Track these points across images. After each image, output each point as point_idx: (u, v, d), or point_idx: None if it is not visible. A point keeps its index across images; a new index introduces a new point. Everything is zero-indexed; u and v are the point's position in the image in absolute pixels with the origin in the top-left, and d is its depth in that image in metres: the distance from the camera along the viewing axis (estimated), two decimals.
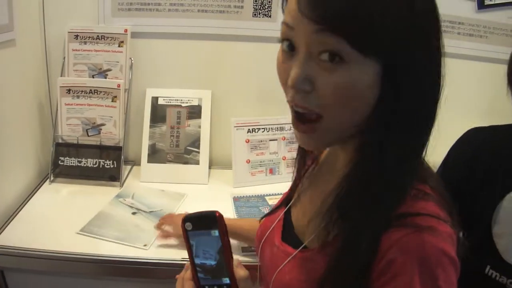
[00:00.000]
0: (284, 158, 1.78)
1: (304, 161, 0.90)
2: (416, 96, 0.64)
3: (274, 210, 0.95)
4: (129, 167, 1.78)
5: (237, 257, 0.81)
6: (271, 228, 0.88)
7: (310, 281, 0.72)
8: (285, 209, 0.90)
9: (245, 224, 1.21)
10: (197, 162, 1.72)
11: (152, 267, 1.27)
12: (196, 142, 1.73)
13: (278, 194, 1.63)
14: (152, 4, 1.61)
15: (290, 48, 0.66)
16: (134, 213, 1.48)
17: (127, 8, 1.61)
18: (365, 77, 0.62)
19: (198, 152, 1.72)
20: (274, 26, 1.67)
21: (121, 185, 1.63)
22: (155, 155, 1.71)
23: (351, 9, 0.58)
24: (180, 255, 1.26)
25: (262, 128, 1.74)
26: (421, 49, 0.63)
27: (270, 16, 1.66)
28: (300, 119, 0.68)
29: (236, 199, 1.61)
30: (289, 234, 0.84)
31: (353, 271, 0.65)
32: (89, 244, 1.31)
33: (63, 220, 1.42)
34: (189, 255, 0.79)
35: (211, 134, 1.73)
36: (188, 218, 0.78)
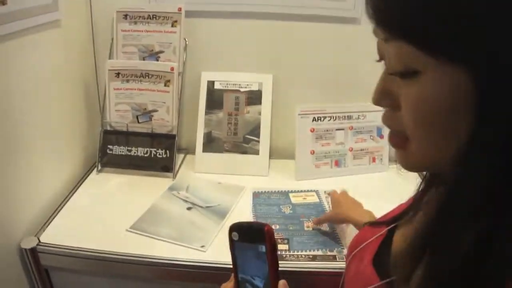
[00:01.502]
0: (350, 149, 1.61)
1: (428, 179, 0.72)
2: None
3: (379, 222, 0.81)
4: (182, 156, 1.65)
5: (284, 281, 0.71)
6: (368, 241, 0.77)
7: None
8: (389, 226, 0.75)
9: None
10: (256, 152, 1.57)
11: (210, 272, 1.14)
12: (255, 131, 1.58)
13: (304, 191, 1.48)
14: None
15: (381, 59, 0.56)
16: (189, 208, 1.35)
17: None
18: (448, 90, 0.47)
19: (258, 141, 1.57)
20: (344, 5, 1.50)
21: (174, 177, 1.50)
22: (211, 144, 1.58)
23: (414, 7, 0.47)
24: None
25: (328, 117, 1.57)
26: None
27: None
28: (392, 133, 0.58)
29: (256, 195, 1.45)
30: (382, 256, 0.71)
31: None
32: (140, 243, 1.20)
33: (111, 215, 1.31)
34: (233, 266, 0.74)
35: (272, 122, 1.58)
36: (236, 228, 0.73)
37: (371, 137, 1.62)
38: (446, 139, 0.51)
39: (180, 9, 1.48)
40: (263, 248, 0.70)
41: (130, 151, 1.50)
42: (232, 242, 0.73)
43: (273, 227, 1.20)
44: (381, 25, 0.51)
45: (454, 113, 0.48)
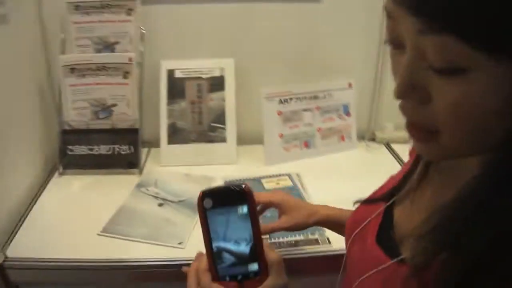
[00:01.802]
0: (319, 130, 1.59)
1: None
2: None
3: (370, 200, 0.79)
4: (146, 150, 1.58)
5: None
6: (368, 221, 0.74)
7: None
8: (387, 204, 0.73)
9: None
10: (223, 140, 1.53)
11: None
12: (221, 118, 1.53)
13: (277, 176, 1.45)
14: None
15: (395, 45, 0.51)
16: (160, 205, 1.30)
17: None
18: (498, 88, 0.44)
19: (224, 128, 1.53)
20: None
21: (141, 173, 1.44)
22: (175, 135, 1.52)
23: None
24: None
25: (294, 98, 1.54)
26: None
27: None
28: (414, 125, 0.53)
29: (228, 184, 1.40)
30: (385, 235, 0.70)
31: None
32: (114, 247, 1.14)
33: (80, 219, 1.24)
34: (205, 239, 0.68)
35: (237, 108, 1.54)
36: (208, 193, 0.67)
37: (339, 115, 1.60)
38: (481, 135, 0.48)
39: None
40: (244, 209, 0.68)
41: (92, 150, 1.42)
42: (203, 210, 0.67)
43: None
44: (422, 16, 0.44)
45: (499, 112, 0.46)
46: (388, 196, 0.75)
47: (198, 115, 1.52)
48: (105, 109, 1.43)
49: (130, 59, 1.39)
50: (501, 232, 0.47)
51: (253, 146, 1.61)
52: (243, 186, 0.68)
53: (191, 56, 1.53)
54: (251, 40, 1.55)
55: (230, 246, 0.69)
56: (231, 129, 1.53)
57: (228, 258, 0.70)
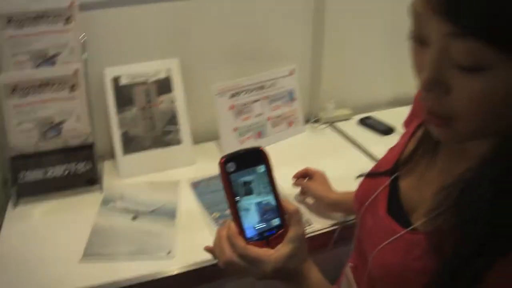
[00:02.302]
0: (269, 118, 1.62)
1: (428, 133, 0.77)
2: None
3: (376, 174, 0.86)
4: (100, 164, 1.50)
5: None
6: (376, 194, 0.81)
7: (415, 270, 0.66)
8: (392, 177, 0.80)
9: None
10: (179, 142, 1.50)
11: (188, 276, 1.09)
12: (173, 120, 1.50)
13: None
14: None
15: (420, 41, 0.58)
16: (134, 218, 1.25)
17: None
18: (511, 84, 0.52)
19: (178, 130, 1.50)
20: None
21: (102, 188, 1.38)
22: (130, 144, 1.46)
23: (497, 6, 0.48)
24: None
25: (244, 91, 1.56)
26: None
27: None
28: (432, 113, 0.60)
29: (195, 186, 1.40)
30: (396, 207, 0.76)
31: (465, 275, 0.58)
32: (101, 271, 1.08)
33: (53, 250, 1.15)
34: (231, 204, 0.73)
35: (188, 107, 1.51)
36: (230, 158, 0.72)
37: (285, 102, 1.64)
38: (492, 123, 0.56)
39: (73, 3, 1.31)
40: (262, 168, 0.73)
41: (46, 173, 1.33)
42: (226, 175, 0.72)
43: (226, 212, 1.20)
44: (453, 20, 0.51)
45: (508, 104, 0.53)
46: (392, 170, 0.82)
47: (150, 121, 1.47)
48: (54, 127, 1.34)
49: (75, 71, 1.31)
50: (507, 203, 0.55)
51: (209, 143, 1.61)
52: (259, 148, 0.74)
53: (135, 60, 1.47)
54: (194, 37, 1.53)
55: (254, 205, 0.74)
56: (185, 130, 1.50)
57: (253, 218, 0.74)
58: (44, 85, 1.30)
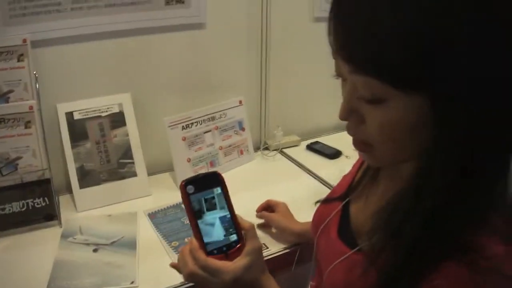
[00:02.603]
0: (220, 148, 1.68)
1: None
2: (482, 123, 0.57)
3: (331, 199, 0.94)
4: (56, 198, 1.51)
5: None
6: (329, 218, 0.88)
7: (364, 285, 0.69)
8: (344, 202, 0.87)
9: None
10: (134, 174, 1.53)
11: None
12: (128, 153, 1.53)
13: None
14: (51, 5, 1.33)
15: (342, 78, 0.66)
16: (95, 250, 1.27)
17: (21, 13, 1.31)
18: (411, 113, 0.59)
19: (133, 163, 1.53)
20: (188, 12, 1.54)
21: (60, 223, 1.38)
22: (86, 178, 1.48)
23: (376, 50, 0.56)
24: (178, 277, 1.10)
25: (195, 122, 1.61)
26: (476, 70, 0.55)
27: (183, 2, 1.51)
28: (355, 140, 0.69)
29: (152, 216, 1.43)
30: (345, 230, 0.83)
31: None
32: None
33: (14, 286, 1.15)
34: (192, 221, 0.82)
35: (141, 140, 1.55)
36: (189, 181, 0.82)
37: (235, 131, 1.71)
38: (406, 148, 0.64)
39: (25, 41, 1.33)
40: (218, 190, 0.83)
41: (3, 209, 1.31)
42: (187, 196, 0.81)
43: (186, 240, 1.28)
44: (351, 62, 0.60)
45: (413, 130, 0.60)
46: (344, 195, 0.89)
47: (105, 154, 1.50)
48: (9, 163, 1.34)
49: (31, 107, 1.32)
50: (428, 221, 0.60)
51: (164, 174, 1.65)
52: (216, 172, 0.85)
53: (88, 96, 1.50)
54: (145, 71, 1.58)
55: (212, 222, 0.83)
56: (139, 163, 1.53)
57: (213, 234, 0.83)
58: None
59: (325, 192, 1.50)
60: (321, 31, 0.66)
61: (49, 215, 1.37)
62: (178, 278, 1.12)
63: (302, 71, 1.86)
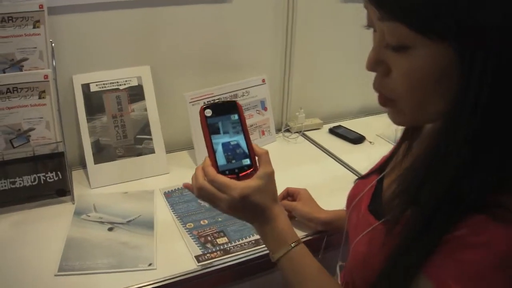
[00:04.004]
0: None
1: (408, 131, 0.84)
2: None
3: (370, 173, 0.92)
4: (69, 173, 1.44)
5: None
6: (363, 193, 0.87)
7: (377, 258, 0.69)
8: (379, 177, 0.86)
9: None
10: (152, 151, 1.46)
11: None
12: (146, 128, 1.46)
13: None
14: None
15: (369, 26, 0.66)
16: (110, 229, 1.20)
17: None
18: (436, 62, 0.58)
19: (151, 139, 1.46)
20: None
21: (73, 199, 1.31)
22: (101, 153, 1.41)
23: None
24: (195, 263, 1.06)
25: (217, 99, 1.53)
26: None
27: None
28: (380, 95, 0.69)
29: (168, 195, 1.36)
30: (376, 203, 0.82)
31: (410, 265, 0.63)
32: (79, 285, 1.02)
33: (24, 264, 1.08)
34: (207, 141, 0.85)
35: (160, 116, 1.47)
36: (208, 106, 0.84)
37: (257, 111, 1.63)
38: (429, 103, 0.62)
39: (41, 6, 1.25)
40: (235, 116, 0.86)
41: (14, 183, 1.25)
42: (205, 118, 0.84)
43: (201, 223, 1.24)
44: (377, 6, 0.60)
45: (438, 82, 0.59)
46: (379, 170, 0.88)
47: (121, 129, 1.43)
48: (21, 135, 1.27)
49: (46, 76, 1.25)
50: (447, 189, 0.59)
51: (182, 152, 1.58)
52: (235, 101, 0.88)
53: (105, 67, 1.43)
54: (166, 44, 1.50)
55: (227, 144, 0.85)
56: (157, 139, 1.46)
57: (226, 156, 0.84)
58: (12, 91, 1.23)
59: (349, 177, 1.49)
60: (349, 12, 0.64)
61: (62, 190, 1.30)
62: (195, 264, 1.07)
63: (327, 53, 1.79)
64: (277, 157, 1.62)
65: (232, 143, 0.85)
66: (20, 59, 1.28)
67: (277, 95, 1.75)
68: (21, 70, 1.28)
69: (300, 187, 1.25)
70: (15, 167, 1.26)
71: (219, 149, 0.84)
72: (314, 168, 1.54)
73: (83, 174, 1.43)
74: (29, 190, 1.27)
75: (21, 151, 1.27)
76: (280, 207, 0.87)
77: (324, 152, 1.65)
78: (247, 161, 0.85)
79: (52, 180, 1.29)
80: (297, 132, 1.75)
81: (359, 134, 1.74)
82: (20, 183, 1.26)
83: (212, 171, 0.82)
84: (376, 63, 0.64)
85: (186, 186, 0.94)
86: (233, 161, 0.84)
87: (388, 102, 0.66)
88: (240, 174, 0.84)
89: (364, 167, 1.46)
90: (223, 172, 0.83)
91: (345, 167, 1.54)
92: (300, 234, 1.18)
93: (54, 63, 1.30)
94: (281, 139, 1.73)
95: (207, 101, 1.50)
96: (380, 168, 0.89)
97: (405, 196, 0.66)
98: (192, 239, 1.17)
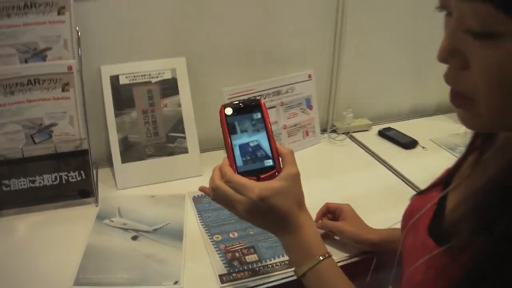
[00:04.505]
0: (284, 127, 1.47)
1: (475, 140, 0.72)
2: None
3: (430, 188, 0.78)
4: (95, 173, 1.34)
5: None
6: (422, 212, 0.74)
7: None
8: (442, 194, 0.73)
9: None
10: (185, 150, 1.35)
11: None
12: (179, 125, 1.34)
13: None
14: None
15: (446, 11, 0.55)
16: (134, 238, 1.09)
17: None
18: None
19: (184, 137, 1.35)
20: None
21: (97, 201, 1.21)
22: (129, 151, 1.30)
23: None
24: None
25: (258, 95, 1.40)
26: None
27: None
28: (454, 93, 0.57)
29: (196, 201, 1.24)
30: (438, 224, 0.69)
31: None
32: None
33: (39, 272, 0.99)
34: (226, 140, 0.79)
35: (195, 112, 1.36)
36: (229, 105, 0.81)
37: (302, 110, 1.50)
38: None
39: None
40: (258, 115, 0.80)
41: (33, 182, 1.15)
42: (224, 116, 0.80)
43: (230, 235, 1.11)
44: None
45: None
46: (441, 185, 0.74)
47: (152, 126, 1.32)
48: (43, 130, 1.18)
49: (70, 68, 1.15)
50: None
51: (217, 151, 1.46)
52: (258, 99, 0.85)
53: (136, 58, 1.32)
54: (203, 34, 1.38)
55: (248, 144, 0.79)
56: (192, 137, 1.35)
57: (247, 156, 0.79)
58: (33, 82, 1.14)
59: (401, 187, 1.33)
60: (403, 4, 0.47)
61: (85, 191, 1.20)
62: (218, 285, 0.95)
63: (379, 49, 1.64)
64: (321, 160, 1.52)
65: (253, 143, 0.80)
66: (44, 48, 1.18)
67: (323, 93, 1.61)
68: (44, 60, 1.18)
69: (342, 202, 1.11)
70: (36, 165, 1.17)
71: (239, 149, 0.79)
72: (362, 175, 1.39)
73: (110, 174, 1.32)
74: (49, 190, 1.18)
75: (42, 147, 1.18)
76: (306, 214, 0.79)
77: (373, 156, 1.49)
78: (269, 162, 0.79)
79: (75, 180, 1.19)
80: (344, 134, 1.61)
81: (411, 138, 1.57)
82: (40, 182, 1.17)
83: (229, 170, 0.77)
84: (450, 53, 0.53)
85: (202, 190, 0.87)
86: (254, 162, 0.79)
87: (463, 100, 0.55)
88: (261, 176, 0.77)
89: (418, 177, 1.34)
90: (242, 174, 0.77)
91: (396, 175, 1.38)
92: (344, 255, 1.04)
93: (80, 53, 1.20)
94: (326, 140, 1.59)
95: (247, 98, 1.37)
96: (443, 182, 0.75)
97: (476, 220, 0.55)
98: (218, 254, 1.04)
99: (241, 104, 0.81)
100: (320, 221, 1.09)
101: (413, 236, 0.74)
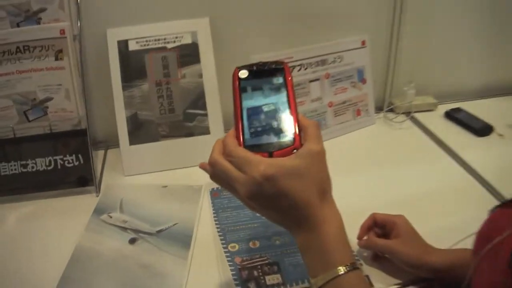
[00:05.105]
0: (330, 105, 1.27)
1: None
2: None
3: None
4: (100, 154, 1.20)
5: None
6: (506, 234, 0.55)
7: None
8: None
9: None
10: (206, 130, 1.17)
11: None
12: (199, 101, 1.17)
13: None
14: None
15: None
16: (132, 241, 0.92)
17: None
18: None
19: (206, 115, 1.17)
20: None
21: (98, 190, 1.05)
22: (139, 131, 1.15)
23: None
24: None
25: (298, 65, 1.20)
26: None
27: None
28: None
29: (214, 195, 1.05)
30: None
31: None
32: None
33: (21, 271, 0.87)
34: (236, 108, 0.67)
35: (219, 84, 1.18)
36: (245, 66, 0.69)
37: (352, 83, 1.29)
38: None
39: None
40: (280, 79, 0.68)
41: (25, 166, 1.03)
42: (238, 80, 0.68)
43: (250, 245, 0.92)
44: None
45: None
46: None
47: (167, 100, 1.15)
48: (36, 106, 1.04)
49: (62, 31, 1.00)
50: None
51: None
52: (282, 61, 0.71)
53: (148, 20, 1.16)
54: None
55: (262, 114, 0.67)
56: (215, 115, 1.17)
57: (259, 128, 0.67)
58: (23, 50, 1.01)
59: (472, 185, 1.09)
60: None
61: (83, 179, 1.06)
62: None
63: (448, 11, 1.39)
64: (374, 146, 1.27)
65: (269, 113, 0.67)
66: (37, 10, 1.05)
67: (379, 64, 1.39)
68: (38, 24, 1.02)
69: (394, 204, 0.92)
70: (30, 146, 1.06)
71: (249, 118, 0.67)
72: (422, 168, 1.16)
73: (116, 158, 1.18)
74: (43, 176, 1.05)
75: (37, 126, 1.05)
76: (331, 206, 0.64)
77: (438, 144, 1.25)
78: (286, 136, 0.65)
79: (72, 164, 1.04)
80: (403, 113, 1.38)
81: (485, 122, 1.32)
82: (32, 167, 1.04)
83: (233, 142, 0.64)
84: None
85: (201, 166, 0.72)
86: (268, 134, 0.66)
87: None
88: (274, 152, 0.63)
89: (494, 173, 1.11)
90: (250, 148, 0.64)
91: (467, 170, 1.13)
92: (394, 281, 0.83)
93: (78, 13, 1.03)
94: (382, 121, 1.37)
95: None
96: None
97: None
98: (232, 270, 0.84)
99: (260, 66, 0.69)
100: (365, 237, 0.88)
101: (490, 265, 0.57)
